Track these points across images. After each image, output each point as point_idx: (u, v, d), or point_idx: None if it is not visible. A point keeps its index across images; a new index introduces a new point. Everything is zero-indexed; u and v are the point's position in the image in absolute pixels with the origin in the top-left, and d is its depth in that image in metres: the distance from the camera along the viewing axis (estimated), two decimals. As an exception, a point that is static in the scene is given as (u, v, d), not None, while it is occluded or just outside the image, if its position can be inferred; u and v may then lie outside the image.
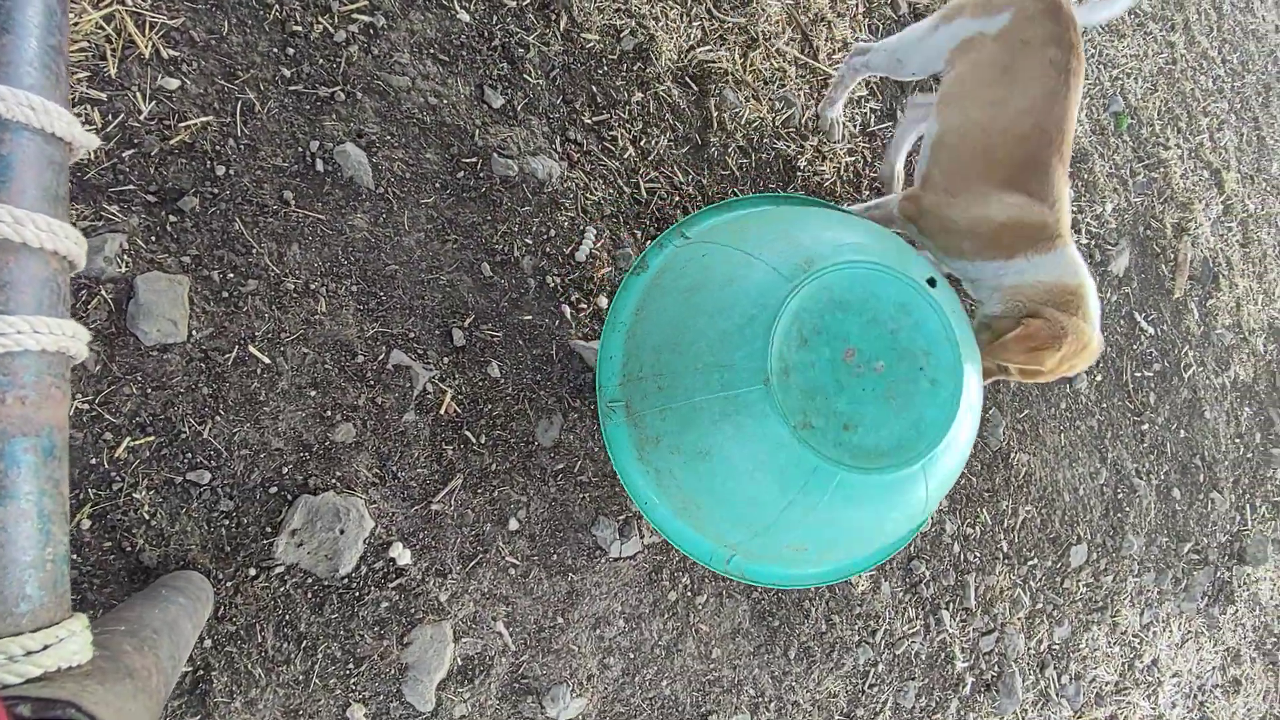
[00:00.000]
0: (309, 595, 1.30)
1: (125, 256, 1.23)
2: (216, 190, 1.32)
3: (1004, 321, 1.45)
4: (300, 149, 1.39)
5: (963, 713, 2.05)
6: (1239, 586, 2.89)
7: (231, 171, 1.33)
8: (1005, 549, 2.20)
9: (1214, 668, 2.76)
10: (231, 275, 1.31)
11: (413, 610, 1.38)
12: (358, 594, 1.34)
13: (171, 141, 1.29)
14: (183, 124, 1.30)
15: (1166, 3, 3.40)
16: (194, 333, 1.27)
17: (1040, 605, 2.26)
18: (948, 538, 2.08)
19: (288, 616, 1.28)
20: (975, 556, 2.13)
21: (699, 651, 1.66)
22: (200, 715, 1.21)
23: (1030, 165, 1.43)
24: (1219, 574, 2.84)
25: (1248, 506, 3.03)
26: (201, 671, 1.22)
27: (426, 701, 1.37)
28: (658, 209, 1.78)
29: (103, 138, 1.24)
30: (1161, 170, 3.04)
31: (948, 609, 2.05)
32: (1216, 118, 3.47)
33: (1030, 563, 2.25)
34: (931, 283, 1.20)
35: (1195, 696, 2.70)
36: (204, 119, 1.32)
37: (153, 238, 1.26)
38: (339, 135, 1.43)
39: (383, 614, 1.35)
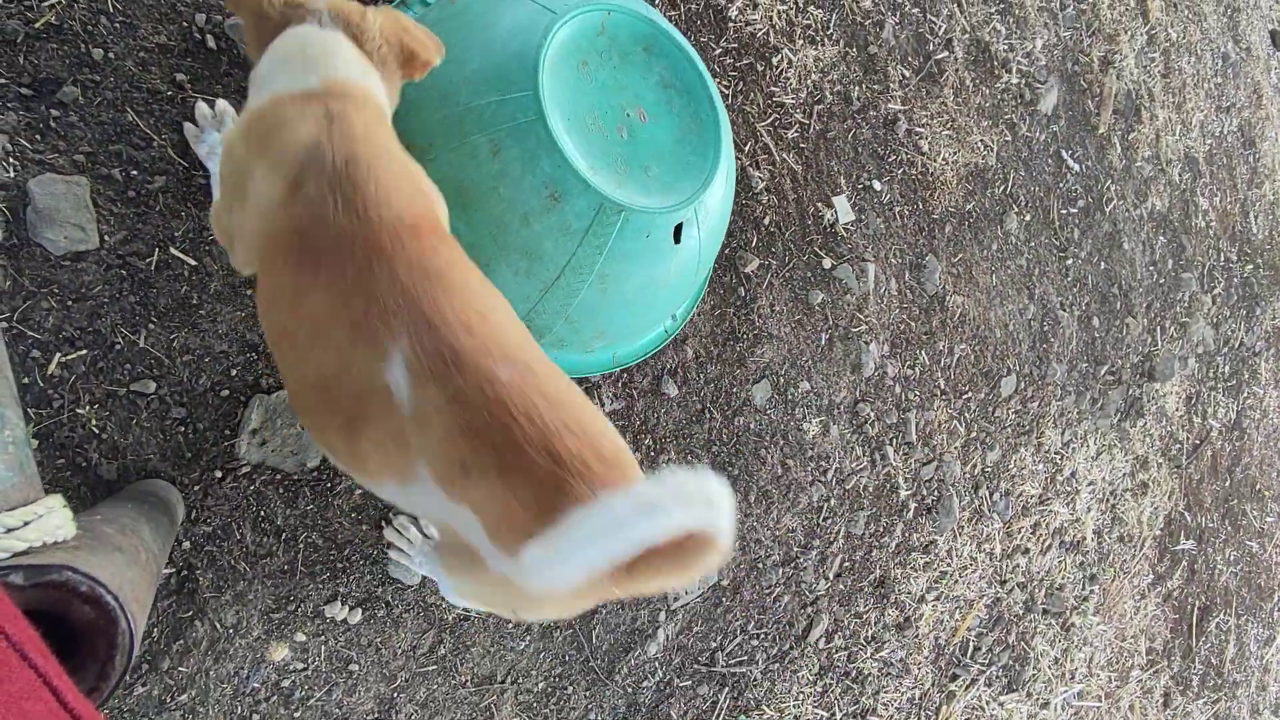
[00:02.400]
0: (280, 490, 1.32)
1: (11, 160, 1.13)
2: (99, 77, 1.19)
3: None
4: (185, 24, 1.26)
5: (906, 534, 2.26)
6: (1148, 401, 3.18)
7: (111, 54, 1.20)
8: (942, 386, 2.35)
9: (1124, 474, 3.08)
10: (135, 172, 1.21)
11: (386, 495, 1.41)
12: (329, 484, 1.36)
13: (36, 25, 1.15)
14: (45, 3, 1.15)
15: None
16: (106, 238, 1.19)
17: (974, 434, 2.45)
18: (889, 380, 2.20)
19: (263, 512, 1.30)
20: (915, 395, 2.27)
21: (666, 505, 1.77)
22: (192, 611, 1.24)
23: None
24: (1131, 391, 3.11)
25: (1158, 328, 3.27)
26: (185, 572, 1.24)
27: (413, 576, 1.43)
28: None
29: (-48, 23, 1.10)
30: (1090, 1, 3.01)
31: (891, 445, 2.20)
32: (1144, -59, 3.41)
33: (965, 396, 2.42)
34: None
35: (1107, 500, 3.03)
36: (67, -6, 1.17)
37: (37, 135, 1.15)
38: (221, 3, 1.29)
39: (358, 500, 1.38)
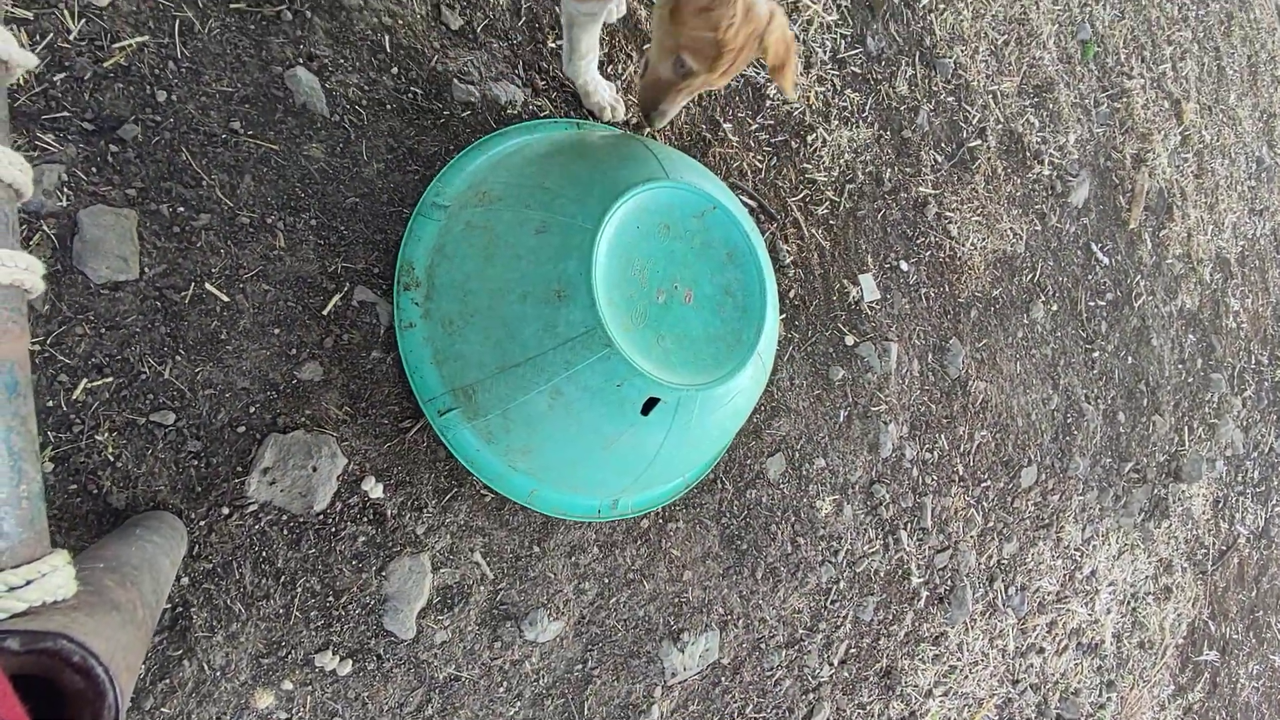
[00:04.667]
0: (285, 532, 1.31)
1: (66, 189, 1.17)
2: (159, 118, 1.24)
3: None
4: (247, 73, 1.32)
5: (916, 624, 2.19)
6: (1174, 502, 3.09)
7: (174, 97, 1.26)
8: (961, 472, 2.30)
9: (1147, 577, 2.97)
10: (182, 209, 1.25)
11: (390, 544, 1.40)
12: (334, 529, 1.35)
13: (106, 64, 1.21)
14: (116, 45, 1.21)
15: (1138, -75, 3.34)
16: (146, 270, 1.22)
17: (992, 524, 2.39)
18: (907, 463, 2.17)
19: (265, 553, 1.29)
20: (933, 480, 2.23)
21: (670, 574, 1.73)
22: (182, 650, 1.22)
23: None
24: (1156, 491, 3.02)
25: (1186, 428, 3.20)
26: (180, 609, 1.22)
27: (407, 630, 1.40)
28: (625, 139, 1.74)
29: (29, 59, 1.15)
30: (1124, 100, 3.05)
31: (905, 529, 2.15)
32: (1180, 46, 3.48)
33: (984, 484, 2.37)
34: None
35: (1128, 603, 2.91)
36: (139, 39, 1.23)
37: (93, 169, 1.19)
38: (289, 58, 1.35)
39: (360, 548, 1.37)
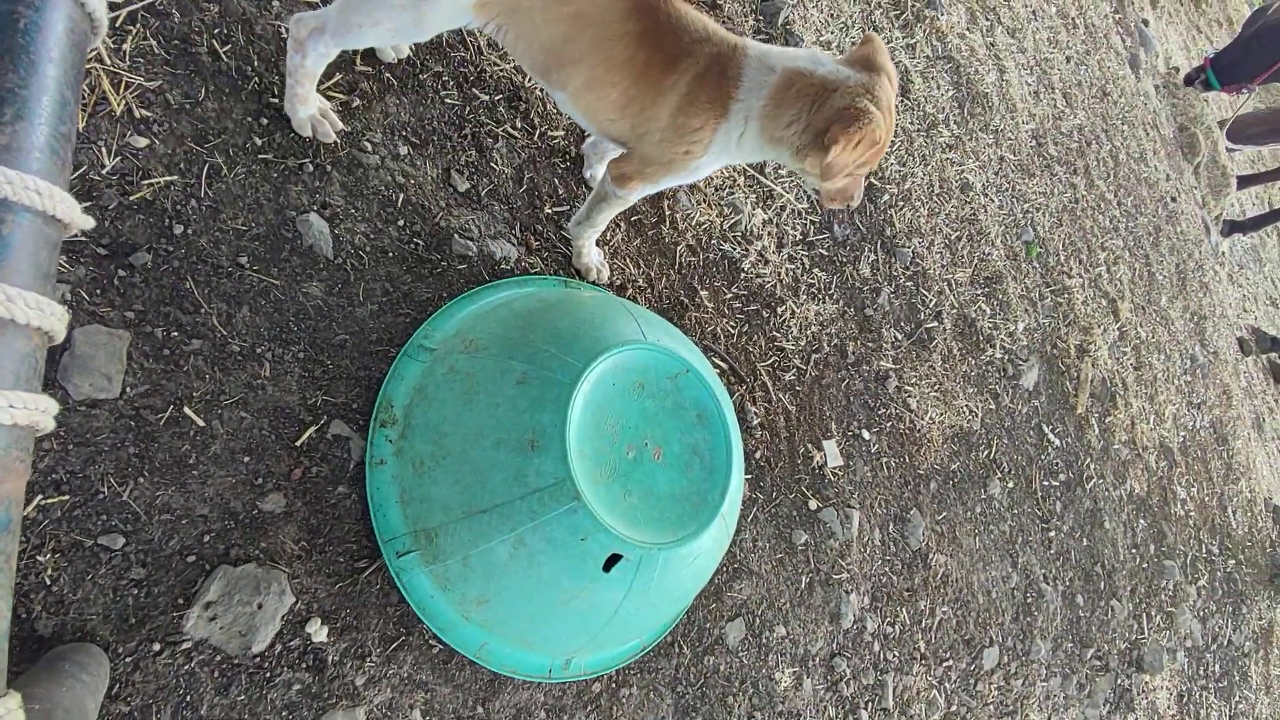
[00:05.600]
0: (215, 674, 1.23)
1: (68, 307, 1.21)
2: (171, 248, 1.31)
3: (807, 139, 1.29)
4: (263, 214, 1.41)
5: (878, 818, 2.05)
6: (1138, 694, 3.02)
7: (190, 231, 1.34)
8: (923, 649, 2.25)
9: (1115, 776, 2.84)
10: (176, 333, 1.29)
11: (326, 694, 1.32)
12: (269, 675, 1.27)
13: (131, 197, 1.29)
14: (146, 181, 1.31)
15: (1069, 149, 3.82)
16: (128, 389, 1.23)
17: (955, 708, 2.31)
18: (868, 636, 2.13)
19: (189, 698, 1.21)
20: (894, 655, 2.17)
21: (620, 747, 1.63)
22: (76, 807, 1.11)
23: (651, 32, 1.27)
24: (1119, 680, 2.96)
25: (1144, 615, 3.20)
26: (84, 756, 1.12)
27: (329, 795, 1.29)
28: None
29: (60, 188, 1.24)
30: (1066, 296, 3.34)
31: (866, 709, 2.07)
32: (1113, 253, 3.86)
33: (946, 663, 2.31)
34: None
35: (1098, 805, 2.76)
36: (168, 178, 1.33)
37: (98, 290, 1.24)
38: (304, 205, 1.46)
39: (293, 697, 1.29)
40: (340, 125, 1.51)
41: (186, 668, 1.21)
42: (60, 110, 0.51)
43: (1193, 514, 3.76)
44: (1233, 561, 3.96)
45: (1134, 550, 3.26)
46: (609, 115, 1.37)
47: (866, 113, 1.23)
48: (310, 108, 1.45)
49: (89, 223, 0.55)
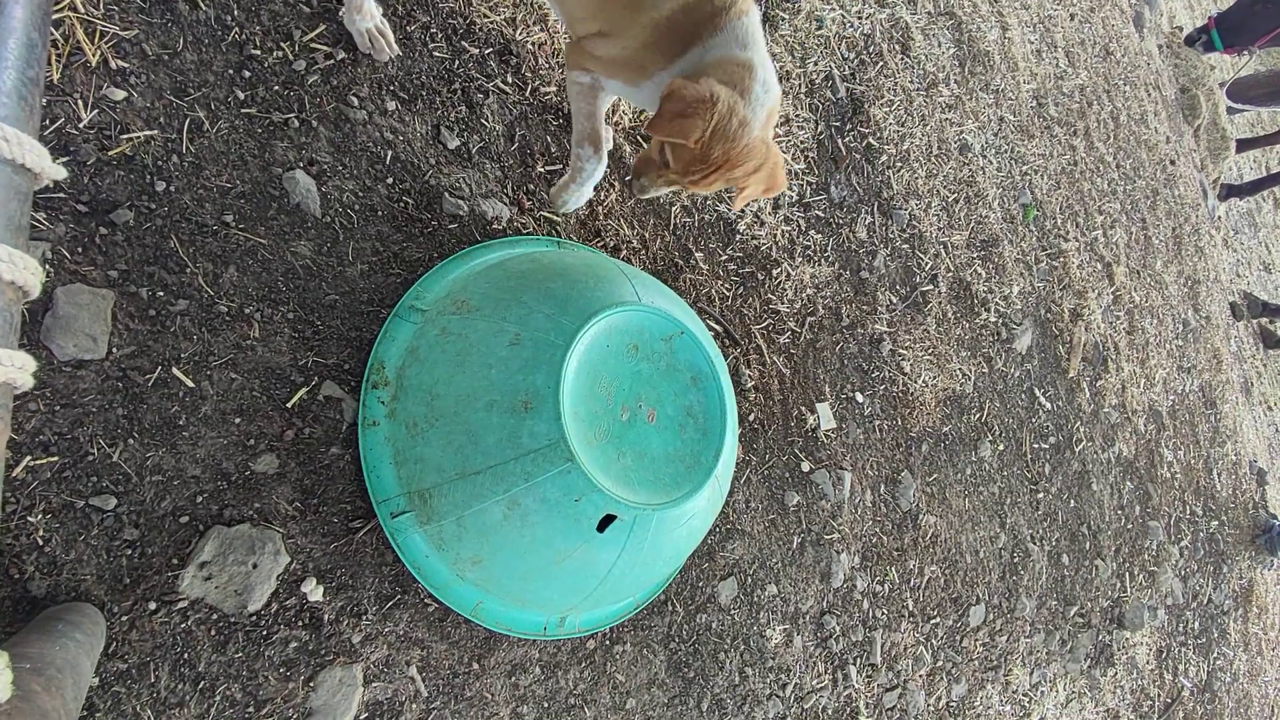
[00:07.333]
0: (212, 633, 1.24)
1: (46, 267, 1.18)
2: (154, 206, 1.28)
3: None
4: (248, 171, 1.38)
5: (865, 768, 2.11)
6: (1118, 650, 3.10)
7: (172, 188, 1.30)
8: (911, 607, 2.30)
9: (1094, 727, 2.93)
10: (161, 293, 1.27)
11: (323, 651, 1.33)
12: (265, 633, 1.28)
13: (110, 153, 1.26)
14: (125, 136, 1.27)
15: (1070, 110, 3.77)
16: (114, 350, 1.21)
17: (940, 663, 2.36)
18: (858, 594, 2.16)
19: (186, 655, 1.22)
20: (883, 613, 2.22)
21: (614, 702, 1.66)
22: (77, 761, 1.12)
23: None
24: (1101, 637, 3.04)
25: (1127, 574, 3.27)
26: (85, 713, 1.13)
27: (329, 749, 1.31)
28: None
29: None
30: (1061, 260, 3.33)
31: (855, 664, 2.12)
32: (1110, 216, 3.84)
33: (933, 621, 2.36)
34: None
35: (1077, 755, 2.86)
36: (148, 133, 1.29)
37: (79, 249, 1.21)
38: (290, 161, 1.42)
39: (290, 654, 1.30)
40: (396, 50, 1.51)
41: (183, 626, 1.22)
42: (28, 54, 0.48)
43: (1179, 476, 3.82)
44: (1216, 522, 4.04)
45: (1120, 511, 3.32)
46: (580, 14, 1.36)
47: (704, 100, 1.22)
48: (368, 20, 1.45)
49: (60, 173, 0.53)
